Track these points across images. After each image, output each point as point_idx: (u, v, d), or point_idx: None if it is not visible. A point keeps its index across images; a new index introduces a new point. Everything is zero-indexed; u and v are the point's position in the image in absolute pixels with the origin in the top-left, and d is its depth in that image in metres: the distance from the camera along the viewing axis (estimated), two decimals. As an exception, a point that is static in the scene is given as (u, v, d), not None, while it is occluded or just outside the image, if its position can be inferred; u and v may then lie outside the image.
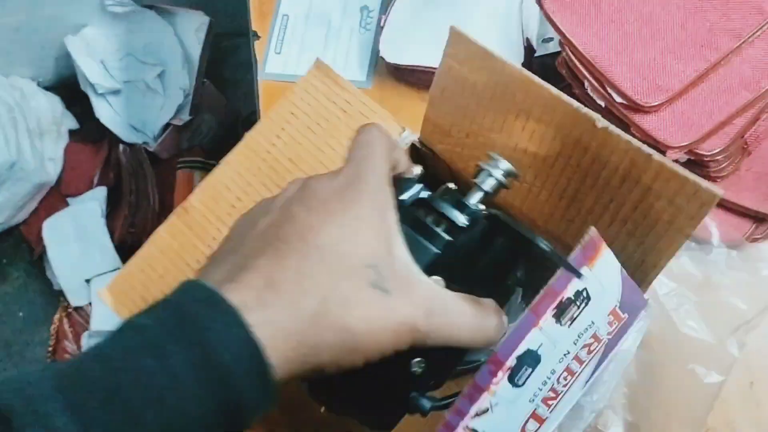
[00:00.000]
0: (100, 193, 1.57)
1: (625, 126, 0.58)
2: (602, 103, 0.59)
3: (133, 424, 0.24)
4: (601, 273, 0.44)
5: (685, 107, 0.57)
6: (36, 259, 1.66)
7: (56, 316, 1.58)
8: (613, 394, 0.53)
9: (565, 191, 0.50)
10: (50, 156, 1.65)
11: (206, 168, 1.46)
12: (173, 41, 1.49)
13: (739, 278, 0.50)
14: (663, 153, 0.56)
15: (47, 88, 1.70)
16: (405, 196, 0.38)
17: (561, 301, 0.42)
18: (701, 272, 0.51)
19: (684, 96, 0.57)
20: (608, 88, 0.58)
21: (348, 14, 0.75)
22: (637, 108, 0.57)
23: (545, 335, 0.43)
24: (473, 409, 0.41)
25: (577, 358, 0.47)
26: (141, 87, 1.53)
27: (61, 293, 1.59)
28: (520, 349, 0.42)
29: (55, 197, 1.66)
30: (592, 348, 0.47)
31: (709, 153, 0.56)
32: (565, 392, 0.48)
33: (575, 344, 0.46)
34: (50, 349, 1.57)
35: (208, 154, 1.52)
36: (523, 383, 0.44)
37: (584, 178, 0.48)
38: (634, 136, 0.56)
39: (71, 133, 1.71)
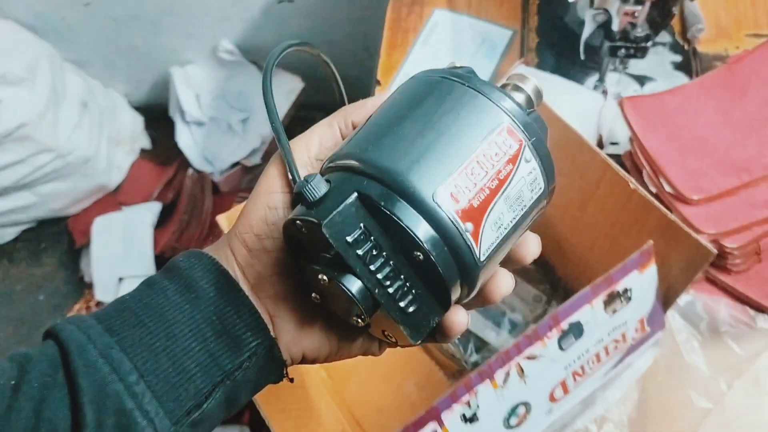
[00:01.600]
0: (155, 206, 1.71)
1: (668, 209, 0.73)
2: (653, 189, 0.74)
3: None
4: (645, 282, 0.57)
5: (718, 208, 0.72)
6: (71, 253, 1.77)
7: (77, 306, 1.67)
8: (620, 408, 0.64)
9: (603, 227, 0.64)
10: (118, 164, 1.80)
11: (259, 208, 1.60)
12: (264, 95, 1.68)
13: (739, 331, 0.63)
14: (696, 236, 0.71)
15: (135, 107, 1.88)
16: None
17: (612, 291, 0.55)
18: (710, 319, 0.64)
19: (718, 200, 0.73)
20: (661, 179, 0.73)
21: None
22: (681, 199, 0.72)
23: (593, 315, 0.56)
24: (527, 351, 0.53)
25: (606, 348, 0.59)
26: (223, 126, 1.71)
27: (88, 287, 1.68)
28: (573, 318, 0.55)
29: (108, 201, 1.79)
30: (618, 345, 0.60)
31: (729, 247, 0.71)
32: (590, 375, 0.60)
33: (609, 335, 0.59)
34: (60, 335, 1.64)
35: (263, 198, 1.67)
36: (566, 349, 0.56)
37: (624, 224, 0.62)
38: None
39: (142, 151, 1.87)
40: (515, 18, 0.97)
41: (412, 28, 0.98)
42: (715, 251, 0.53)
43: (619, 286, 0.55)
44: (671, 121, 0.77)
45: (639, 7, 0.74)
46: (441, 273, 0.32)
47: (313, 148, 0.39)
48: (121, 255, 1.64)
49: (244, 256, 0.38)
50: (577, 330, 0.55)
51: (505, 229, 0.34)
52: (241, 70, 1.70)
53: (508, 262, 0.37)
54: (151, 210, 1.70)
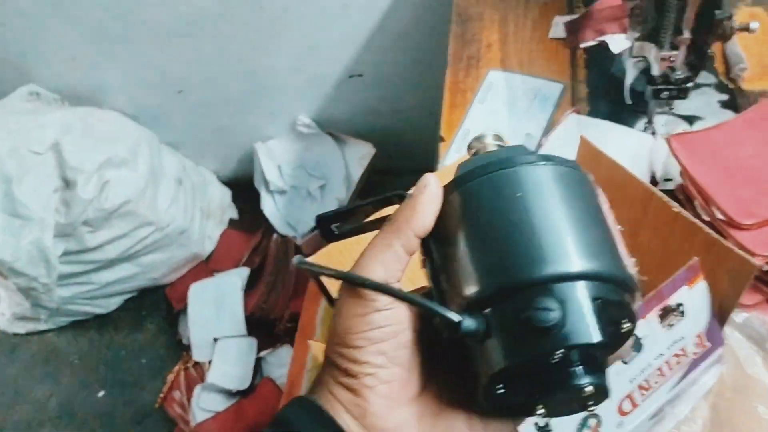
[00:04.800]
0: (244, 271, 1.83)
1: (722, 236, 0.77)
2: (707, 218, 0.78)
3: None
4: (696, 297, 0.62)
5: (770, 231, 0.76)
6: (169, 318, 1.91)
7: (176, 368, 1.78)
8: (691, 425, 0.68)
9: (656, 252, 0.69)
10: (210, 235, 1.95)
11: (340, 268, 1.70)
12: (340, 163, 1.81)
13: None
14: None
15: (223, 182, 2.04)
16: None
17: (665, 306, 0.60)
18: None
19: (770, 224, 0.76)
20: (713, 208, 0.78)
21: (514, 136, 1.01)
22: (734, 225, 0.76)
23: (650, 329, 0.61)
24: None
25: (667, 362, 0.63)
26: (303, 193, 1.84)
27: (185, 349, 1.81)
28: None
29: (202, 269, 1.94)
30: (680, 360, 0.64)
31: (785, 267, 0.74)
32: (656, 389, 0.64)
33: (668, 349, 0.63)
34: (162, 395, 1.76)
35: (343, 259, 1.77)
36: (628, 363, 0.60)
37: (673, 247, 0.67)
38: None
39: (231, 221, 2.02)
40: (564, 72, 1.05)
41: (470, 88, 1.07)
42: (758, 264, 0.57)
43: (671, 301, 0.60)
44: (719, 154, 0.82)
45: (675, 52, 0.80)
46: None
47: (379, 278, 0.37)
48: (215, 317, 1.76)
49: (347, 399, 0.38)
50: (636, 344, 0.60)
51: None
52: (317, 141, 1.83)
53: None
54: (241, 275, 1.82)
